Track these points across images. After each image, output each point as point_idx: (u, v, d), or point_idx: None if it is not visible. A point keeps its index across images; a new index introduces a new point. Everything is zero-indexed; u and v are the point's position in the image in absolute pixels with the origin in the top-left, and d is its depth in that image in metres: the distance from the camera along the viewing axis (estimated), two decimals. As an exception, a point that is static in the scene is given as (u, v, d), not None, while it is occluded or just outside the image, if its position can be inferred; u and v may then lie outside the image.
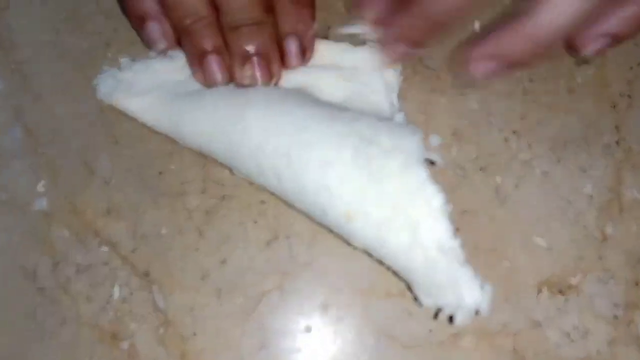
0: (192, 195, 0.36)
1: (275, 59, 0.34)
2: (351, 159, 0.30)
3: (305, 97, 0.34)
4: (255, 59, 0.34)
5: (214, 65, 0.34)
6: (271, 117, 0.32)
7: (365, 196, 0.30)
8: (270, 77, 0.34)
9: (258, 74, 0.34)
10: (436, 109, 0.38)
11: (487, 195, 0.36)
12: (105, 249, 0.36)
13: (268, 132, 0.32)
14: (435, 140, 0.37)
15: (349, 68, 0.36)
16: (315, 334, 0.34)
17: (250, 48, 0.34)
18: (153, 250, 0.35)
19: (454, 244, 0.29)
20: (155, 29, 0.35)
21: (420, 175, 0.29)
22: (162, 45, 0.35)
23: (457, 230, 0.35)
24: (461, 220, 0.36)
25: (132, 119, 0.37)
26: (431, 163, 0.32)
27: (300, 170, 0.31)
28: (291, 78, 0.36)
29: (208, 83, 0.35)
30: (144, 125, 0.37)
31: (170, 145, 0.37)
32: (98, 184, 0.37)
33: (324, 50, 0.36)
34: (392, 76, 0.36)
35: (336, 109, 0.33)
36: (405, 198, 0.29)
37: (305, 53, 0.35)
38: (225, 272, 0.35)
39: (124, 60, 0.38)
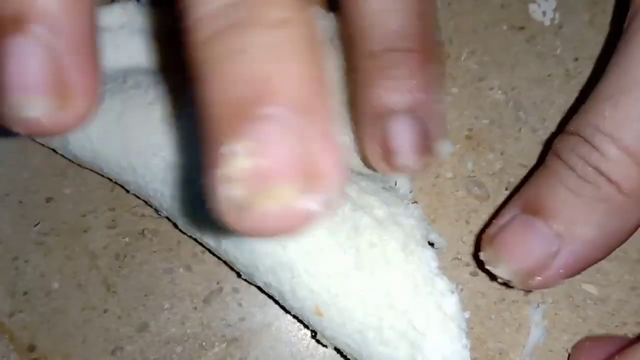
0: (97, 232, 0.27)
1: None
2: (329, 229, 0.21)
3: None
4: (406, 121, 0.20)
5: (27, 61, 0.14)
6: None
7: (348, 287, 0.21)
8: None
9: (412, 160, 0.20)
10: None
11: (518, 226, 0.26)
12: (-29, 312, 0.26)
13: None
14: (443, 147, 0.26)
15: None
16: None
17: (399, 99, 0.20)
18: (40, 314, 0.26)
19: None
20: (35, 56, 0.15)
21: (428, 263, 0.21)
22: (38, 104, 0.15)
23: (474, 274, 0.26)
24: (480, 260, 0.26)
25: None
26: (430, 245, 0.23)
27: (252, 241, 0.21)
28: None
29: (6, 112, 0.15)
30: (24, 131, 0.26)
31: (63, 159, 0.27)
32: (-42, 218, 0.27)
33: None
34: None
35: None
36: (407, 297, 0.20)
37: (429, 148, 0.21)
38: (146, 343, 0.26)
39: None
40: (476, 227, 0.26)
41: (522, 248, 0.22)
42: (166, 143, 0.22)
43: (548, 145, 0.27)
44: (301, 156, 0.13)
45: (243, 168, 0.12)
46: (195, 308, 0.26)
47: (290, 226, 0.13)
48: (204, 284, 0.26)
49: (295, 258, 0.21)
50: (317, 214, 0.13)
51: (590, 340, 0.25)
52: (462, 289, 0.26)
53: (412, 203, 0.24)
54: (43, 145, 0.26)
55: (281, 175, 0.12)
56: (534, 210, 0.22)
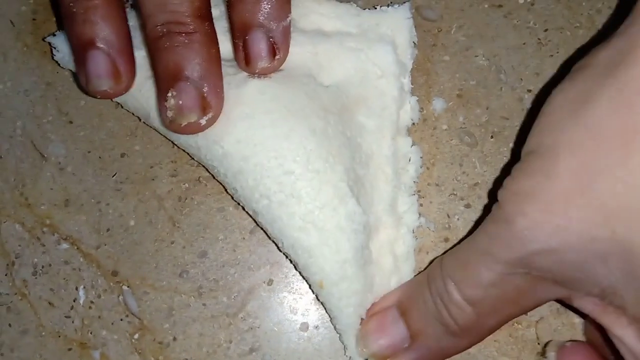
0: (162, 180, 0.32)
1: (214, 85, 0.26)
2: (343, 227, 0.27)
3: (299, 108, 0.28)
4: (182, 85, 0.26)
5: (97, 63, 0.27)
6: (253, 148, 0.27)
7: (351, 279, 0.28)
8: (203, 111, 0.26)
9: (185, 106, 0.26)
10: (438, 67, 0.33)
11: (501, 165, 0.32)
12: (65, 246, 0.31)
13: (248, 165, 0.27)
14: (438, 104, 0.32)
15: (355, 35, 0.30)
16: (313, 332, 0.30)
17: (177, 70, 0.26)
18: (120, 246, 0.31)
19: None
20: (101, 60, 0.27)
21: None
22: (105, 83, 0.27)
23: (467, 206, 0.31)
24: (471, 195, 0.31)
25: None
26: None
27: (280, 221, 0.27)
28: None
29: (89, 89, 0.27)
30: (99, 101, 0.32)
31: (133, 121, 0.32)
32: (51, 171, 0.32)
33: (325, 12, 0.31)
34: (406, 52, 0.30)
35: (339, 127, 0.28)
36: None
37: (275, 52, 0.27)
38: (206, 267, 0.31)
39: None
40: (468, 169, 0.31)
41: (385, 337, 0.27)
42: (226, 135, 0.27)
43: (525, 101, 0.33)
44: (199, 99, 0.26)
45: (173, 103, 0.26)
46: (244, 238, 0.31)
47: (193, 130, 0.27)
48: (249, 219, 0.31)
49: (312, 243, 0.27)
50: (207, 124, 0.26)
51: (571, 343, 0.28)
52: (458, 219, 0.32)
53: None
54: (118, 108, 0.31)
55: (188, 108, 0.26)
56: (402, 310, 0.27)
